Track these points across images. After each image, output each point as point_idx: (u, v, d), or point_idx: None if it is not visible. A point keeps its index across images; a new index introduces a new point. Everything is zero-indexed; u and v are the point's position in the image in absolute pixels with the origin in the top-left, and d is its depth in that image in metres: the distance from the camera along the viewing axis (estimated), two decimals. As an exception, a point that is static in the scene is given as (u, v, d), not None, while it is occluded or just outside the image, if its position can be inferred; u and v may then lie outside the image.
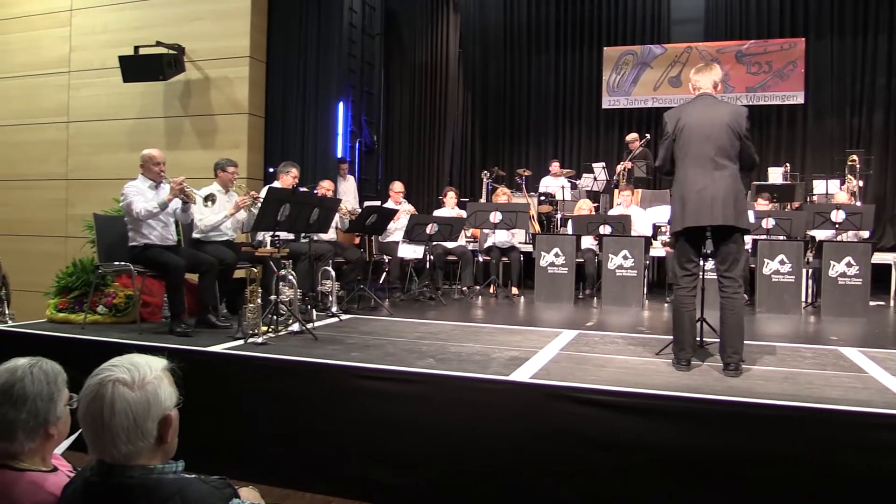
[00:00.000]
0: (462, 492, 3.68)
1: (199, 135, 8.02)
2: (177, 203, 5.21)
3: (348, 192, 8.65)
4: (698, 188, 4.06)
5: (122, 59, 7.81)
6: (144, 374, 1.60)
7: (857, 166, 9.28)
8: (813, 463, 3.21)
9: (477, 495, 3.65)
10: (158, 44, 7.81)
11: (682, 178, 4.16)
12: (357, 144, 10.10)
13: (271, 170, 7.52)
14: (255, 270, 5.12)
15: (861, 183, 9.38)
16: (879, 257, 8.36)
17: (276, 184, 6.43)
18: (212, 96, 7.99)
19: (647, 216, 8.65)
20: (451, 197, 8.43)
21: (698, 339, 4.55)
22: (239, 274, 5.85)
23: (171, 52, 7.85)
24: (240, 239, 6.29)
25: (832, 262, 6.87)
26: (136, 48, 7.86)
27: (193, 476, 1.60)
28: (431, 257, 7.54)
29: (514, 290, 8.02)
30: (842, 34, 11.69)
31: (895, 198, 11.31)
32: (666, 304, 7.48)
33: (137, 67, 7.81)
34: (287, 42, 8.16)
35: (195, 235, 5.76)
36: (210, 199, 5.32)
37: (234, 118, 7.89)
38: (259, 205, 5.33)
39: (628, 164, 10.25)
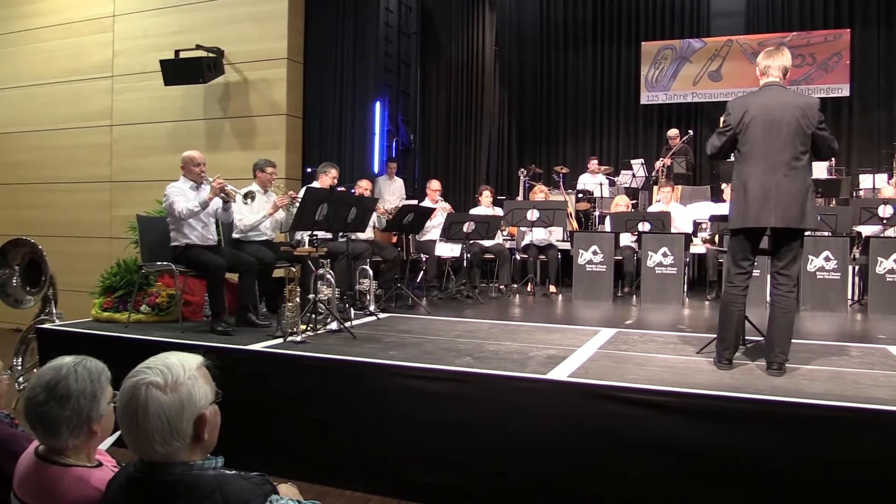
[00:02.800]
0: (499, 491, 3.67)
1: (238, 136, 8.13)
2: (217, 203, 5.29)
3: (396, 192, 8.69)
4: (764, 187, 3.89)
5: (163, 62, 7.95)
6: (178, 376, 1.62)
7: (906, 160, 9.03)
8: (860, 464, 3.13)
9: (513, 495, 3.64)
10: (198, 47, 7.93)
11: (746, 173, 3.98)
12: (394, 144, 10.14)
13: (309, 170, 7.60)
14: (294, 269, 5.16)
15: (910, 177, 9.12)
16: (929, 253, 8.11)
17: (315, 184, 6.48)
18: (250, 98, 8.09)
19: (688, 213, 8.52)
20: (486, 196, 8.41)
21: (742, 337, 4.46)
22: (278, 273, 5.91)
23: (210, 55, 7.97)
24: (279, 238, 6.36)
25: (880, 259, 6.69)
26: (177, 52, 8.00)
27: (233, 472, 1.62)
28: (469, 256, 7.53)
29: (552, 289, 7.97)
30: (889, 24, 11.37)
31: (946, 192, 10.96)
32: (707, 302, 7.37)
33: (178, 71, 7.95)
34: (324, 43, 8.22)
35: (235, 235, 5.84)
36: (249, 196, 5.39)
37: (273, 119, 7.98)
38: (297, 204, 5.38)
39: (668, 161, 10.12)
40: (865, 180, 9.23)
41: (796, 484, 3.19)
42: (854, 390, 3.60)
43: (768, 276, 4.24)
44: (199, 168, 5.34)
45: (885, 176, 9.07)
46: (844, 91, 11.55)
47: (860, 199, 8.36)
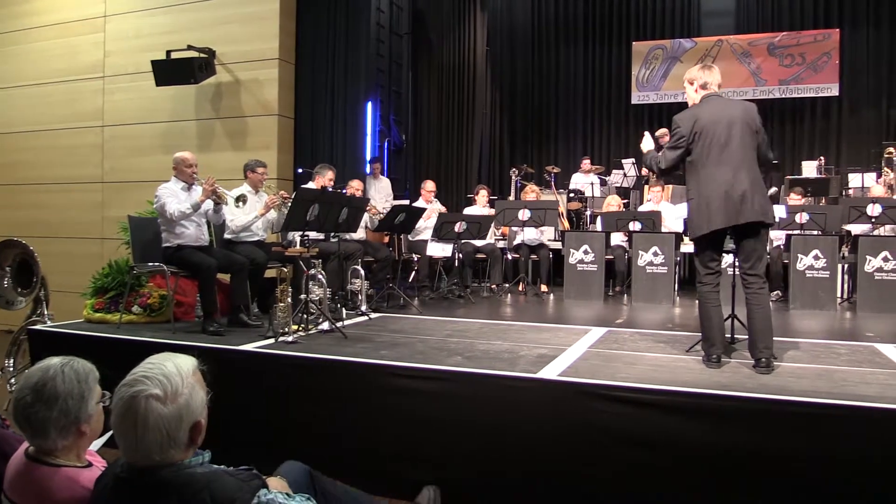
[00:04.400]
0: (490, 489, 3.69)
1: (230, 136, 8.14)
2: (209, 204, 5.30)
3: (382, 192, 8.70)
4: (725, 188, 4.00)
5: (154, 63, 7.94)
6: (177, 386, 1.62)
7: (894, 159, 9.08)
8: (847, 462, 3.15)
9: (505, 493, 3.66)
10: (190, 48, 7.93)
11: (704, 179, 4.08)
12: (386, 144, 10.15)
13: (300, 170, 7.60)
14: (286, 270, 5.17)
15: (898, 176, 9.18)
16: (918, 252, 8.18)
17: (310, 185, 6.49)
18: (242, 98, 8.10)
19: (678, 212, 8.54)
20: (482, 195, 8.44)
21: (728, 336, 4.50)
22: (270, 273, 5.92)
23: (202, 55, 7.96)
24: (270, 239, 6.37)
25: (868, 257, 6.75)
26: (168, 52, 8.00)
27: (222, 468, 1.63)
28: (460, 255, 7.55)
29: (544, 288, 7.99)
30: (878, 24, 11.46)
31: (934, 191, 11.05)
32: (697, 301, 7.39)
33: (169, 71, 7.94)
34: (315, 43, 8.23)
35: (227, 236, 5.85)
36: (241, 199, 5.40)
37: (264, 120, 7.99)
38: (288, 205, 5.39)
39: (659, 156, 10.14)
40: (854, 179, 9.29)
41: (786, 481, 3.21)
42: (842, 388, 3.63)
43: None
44: (191, 169, 5.35)
45: (873, 175, 9.13)
46: (834, 91, 11.64)
47: (849, 198, 8.42)
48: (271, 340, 4.70)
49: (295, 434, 4.10)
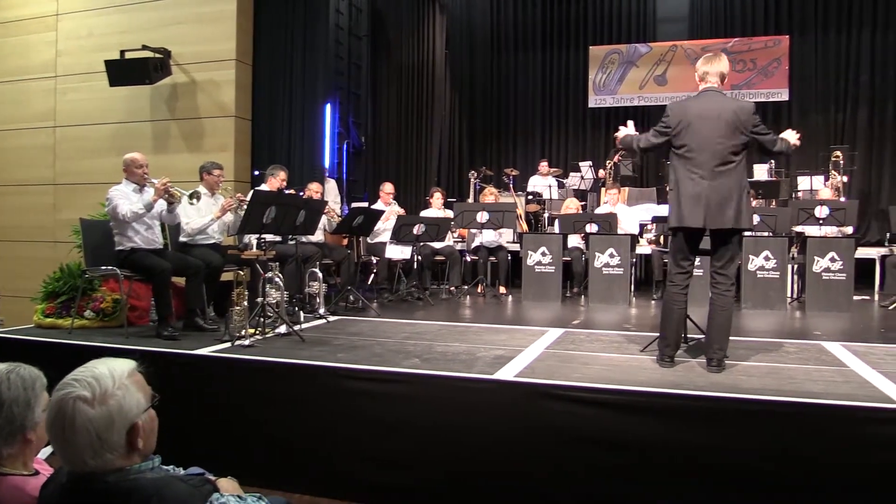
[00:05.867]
0: (449, 490, 3.70)
1: (185, 138, 8.03)
2: (162, 204, 5.23)
3: (330, 194, 8.66)
4: (700, 188, 4.03)
5: (108, 63, 7.80)
6: (106, 388, 1.58)
7: (841, 162, 9.36)
8: (795, 456, 3.25)
9: (464, 494, 3.68)
10: (144, 48, 7.81)
11: (683, 175, 4.11)
12: (345, 146, 10.11)
13: (257, 172, 7.54)
14: (242, 273, 5.14)
15: (845, 179, 9.46)
16: (863, 252, 8.46)
17: (263, 186, 6.44)
18: (198, 99, 8.00)
19: (634, 214, 8.71)
20: (437, 197, 8.47)
21: (683, 335, 4.59)
22: (226, 277, 5.86)
23: (157, 55, 7.85)
24: (227, 242, 6.30)
25: (816, 258, 6.94)
26: (122, 52, 7.87)
27: (172, 474, 1.62)
28: (419, 258, 7.57)
29: (502, 290, 8.05)
30: (825, 31, 11.79)
31: (879, 193, 11.41)
32: (652, 302, 7.53)
33: (123, 71, 7.81)
34: (273, 44, 8.17)
35: (182, 239, 5.77)
36: (195, 196, 5.31)
37: (221, 121, 7.90)
38: (245, 207, 5.34)
39: (616, 159, 10.31)
40: (803, 182, 9.53)
41: (738, 477, 3.29)
42: (790, 385, 3.74)
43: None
44: (142, 170, 5.26)
45: (821, 178, 9.38)
46: (784, 95, 11.93)
47: (798, 201, 8.64)
48: (227, 344, 4.66)
49: (251, 438, 4.07)
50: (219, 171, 5.98)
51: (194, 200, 5.33)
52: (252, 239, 5.94)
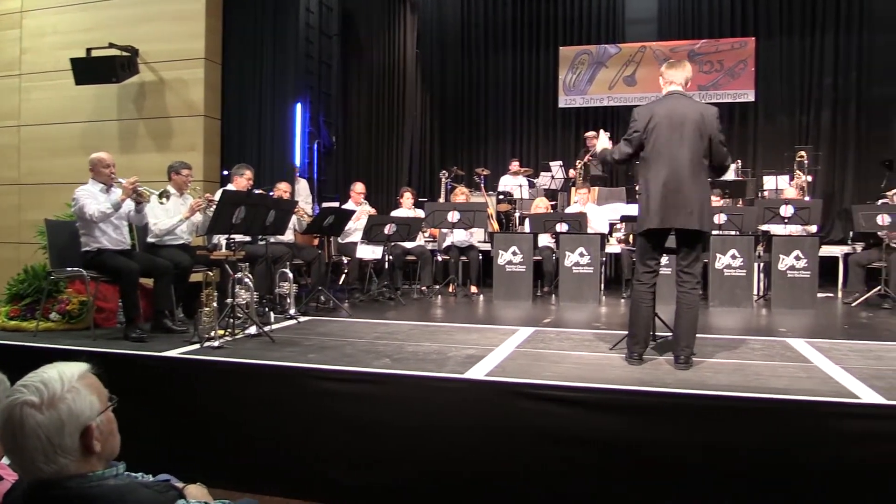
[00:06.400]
0: (421, 490, 3.71)
1: (153, 137, 7.95)
2: (130, 205, 5.17)
3: (300, 194, 8.62)
4: (667, 189, 4.09)
5: (73, 61, 7.69)
6: (55, 391, 1.55)
7: (806, 162, 9.52)
8: (761, 452, 3.30)
9: (436, 493, 3.69)
10: (111, 46, 7.71)
11: (651, 177, 4.16)
12: (316, 145, 10.06)
13: (226, 172, 7.48)
14: (212, 274, 5.10)
15: (810, 178, 9.63)
16: (827, 250, 8.63)
17: (230, 186, 6.40)
18: (166, 99, 7.93)
19: (603, 213, 8.79)
20: (407, 197, 8.48)
21: (651, 333, 4.64)
22: (196, 278, 5.81)
23: (124, 54, 7.76)
24: (196, 242, 6.25)
25: (781, 256, 7.06)
26: (88, 50, 7.76)
27: (137, 480, 1.60)
28: (390, 257, 7.56)
29: (473, 289, 8.07)
30: (790, 34, 11.98)
31: (842, 193, 11.64)
32: (622, 300, 7.60)
33: (90, 70, 7.71)
34: (243, 43, 8.12)
35: (150, 240, 5.71)
36: (165, 195, 5.26)
37: (190, 120, 7.83)
38: (214, 207, 5.30)
39: (586, 159, 10.39)
40: (769, 182, 9.68)
41: (707, 472, 3.34)
42: (755, 381, 3.81)
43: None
44: (109, 170, 5.19)
45: (787, 178, 9.54)
46: (750, 97, 12.11)
47: (764, 200, 8.77)
48: (196, 346, 4.63)
49: (221, 441, 4.04)
50: (187, 170, 5.93)
51: (164, 199, 5.27)
52: (221, 239, 5.89)
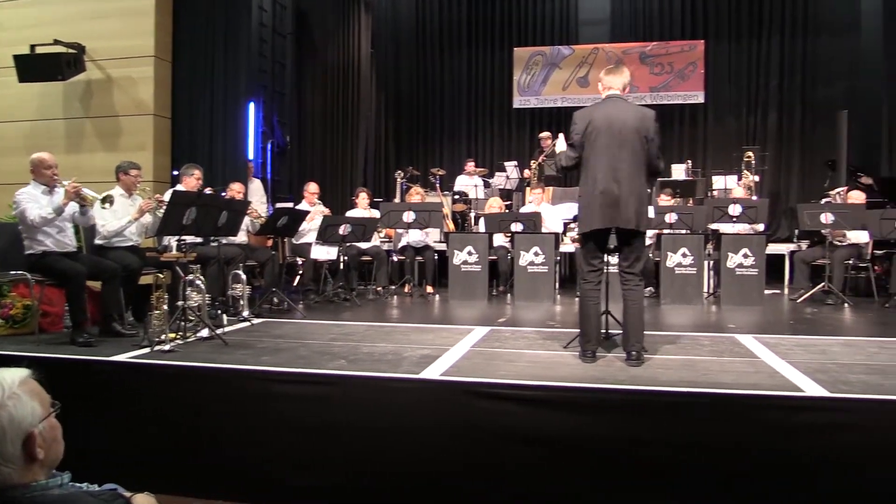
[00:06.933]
0: (375, 492, 3.69)
1: (101, 137, 7.76)
2: (74, 207, 5.04)
3: (255, 193, 8.52)
4: (606, 190, 4.17)
5: (17, 58, 7.46)
6: None
7: (753, 162, 9.75)
8: (711, 445, 3.37)
9: (393, 493, 3.68)
10: (56, 42, 7.51)
11: (590, 179, 4.25)
12: (269, 145, 9.96)
13: (176, 172, 7.36)
14: (162, 276, 5.01)
15: (757, 178, 9.86)
16: (774, 248, 8.87)
17: (179, 187, 6.29)
18: (115, 97, 7.75)
19: (558, 213, 8.88)
20: (363, 198, 8.45)
21: (603, 331, 4.71)
22: (146, 280, 5.69)
23: (70, 51, 7.56)
24: (146, 244, 6.13)
25: (730, 254, 7.23)
26: (33, 47, 7.53)
27: (82, 490, 1.56)
28: (345, 258, 7.52)
29: (429, 289, 8.08)
30: (738, 38, 12.29)
31: (788, 192, 11.98)
32: (576, 299, 7.65)
33: (34, 67, 7.49)
34: (193, 41, 7.99)
35: (98, 242, 5.58)
36: (108, 200, 5.12)
37: (139, 119, 7.67)
38: (164, 208, 5.20)
39: (540, 159, 10.48)
40: (718, 181, 9.90)
41: (660, 467, 3.38)
42: (704, 377, 3.90)
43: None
44: (51, 171, 5.04)
45: (735, 177, 9.76)
46: (699, 98, 12.36)
47: (713, 199, 8.96)
48: (146, 350, 4.54)
49: (171, 448, 3.96)
50: (136, 171, 5.80)
51: (107, 205, 5.13)
52: (172, 241, 5.79)
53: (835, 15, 11.77)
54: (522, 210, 8.87)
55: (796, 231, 9.15)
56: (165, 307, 4.71)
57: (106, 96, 7.77)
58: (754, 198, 8.97)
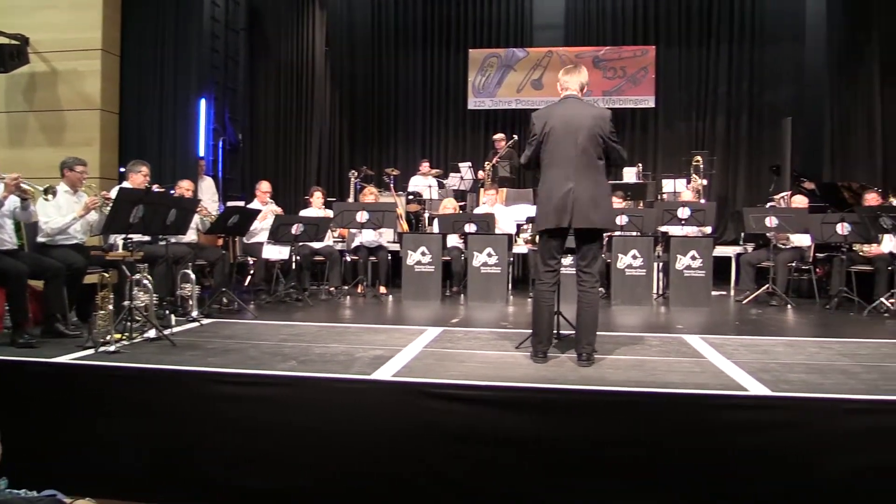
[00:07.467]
0: (330, 493, 3.67)
1: (45, 131, 7.56)
2: (14, 202, 4.90)
3: (206, 192, 8.39)
4: (563, 190, 4.22)
5: (-45, 49, 7.23)
6: None
7: (702, 166, 9.94)
8: (657, 444, 3.43)
9: (345, 495, 3.66)
10: (-2, 33, 7.29)
11: (548, 178, 4.31)
12: (221, 143, 9.81)
13: (122, 169, 7.20)
14: (108, 275, 4.89)
15: (705, 182, 10.04)
16: (721, 251, 9.05)
17: (125, 184, 6.15)
18: (60, 91, 7.56)
19: (511, 214, 8.94)
20: (317, 197, 8.39)
21: (555, 332, 4.75)
22: (91, 279, 5.54)
23: (13, 42, 7.35)
24: (91, 242, 5.98)
25: (679, 256, 7.37)
26: (-28, 38, 7.31)
27: (20, 496, 1.52)
28: (298, 258, 7.45)
29: (383, 290, 8.05)
30: (688, 44, 12.54)
31: (735, 196, 12.27)
32: (529, 300, 7.72)
33: (-26, 58, 7.26)
34: (143, 35, 7.85)
35: (40, 239, 5.43)
36: (50, 191, 4.98)
37: (86, 114, 7.50)
38: (110, 205, 5.08)
39: (494, 161, 10.53)
40: (668, 185, 10.06)
41: (608, 465, 3.44)
42: (652, 377, 3.97)
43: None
44: (-10, 166, 4.90)
45: (684, 181, 9.93)
46: (650, 103, 12.58)
47: (663, 202, 9.12)
48: (91, 351, 4.42)
49: (116, 451, 3.87)
50: (82, 167, 5.66)
51: (49, 196, 4.98)
52: (118, 239, 5.66)
53: (781, 24, 12.11)
54: (476, 211, 8.92)
55: (742, 234, 9.37)
56: (111, 307, 4.61)
57: (51, 90, 7.58)
58: (702, 201, 9.15)
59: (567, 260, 4.61)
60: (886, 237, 7.10)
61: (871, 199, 7.64)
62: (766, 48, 12.22)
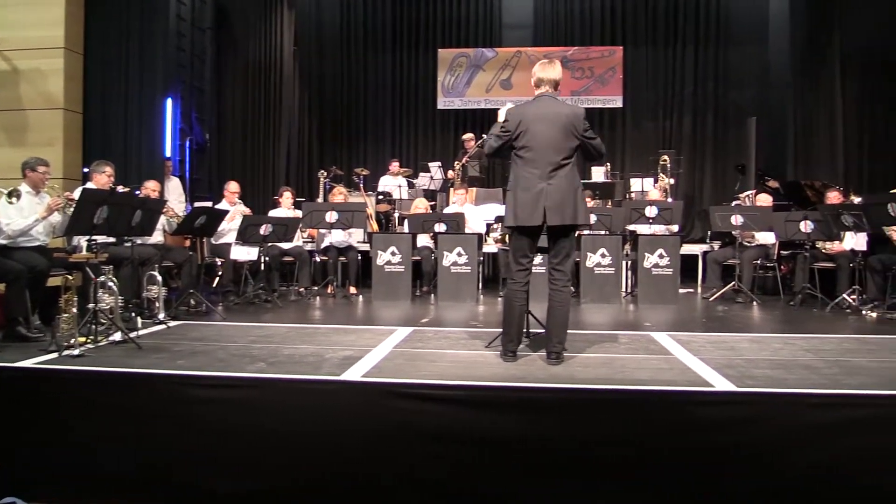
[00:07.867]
0: (299, 496, 3.65)
1: (6, 131, 7.41)
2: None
3: (172, 192, 8.29)
4: (536, 188, 4.25)
5: (-89, 46, 7.06)
6: None
7: (669, 166, 10.07)
8: (625, 441, 3.46)
9: (315, 497, 3.64)
10: (-44, 31, 7.14)
11: (521, 176, 4.33)
12: (188, 143, 9.70)
13: (86, 169, 7.09)
14: (72, 278, 4.81)
15: (672, 181, 10.18)
16: (687, 249, 9.18)
17: (89, 184, 6.05)
18: (21, 89, 7.42)
19: (481, 214, 8.97)
20: (287, 197, 8.33)
21: (524, 330, 4.77)
22: (54, 282, 5.45)
23: (-29, 40, 7.20)
24: (54, 244, 5.87)
25: (647, 254, 7.45)
26: (-71, 35, 7.15)
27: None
28: (266, 258, 7.39)
29: (352, 290, 8.02)
30: (655, 45, 12.71)
31: (701, 194, 12.45)
32: (499, 299, 7.77)
33: (-70, 56, 7.10)
34: (107, 33, 7.75)
35: (2, 241, 5.31)
36: (14, 195, 4.89)
37: (48, 114, 7.38)
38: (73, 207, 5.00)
39: (464, 160, 10.55)
40: (636, 184, 10.18)
41: (578, 463, 3.46)
42: (621, 374, 4.01)
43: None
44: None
45: (651, 180, 10.05)
46: (618, 103, 12.71)
47: (631, 201, 9.21)
48: (54, 355, 4.34)
49: (81, 457, 3.80)
50: (44, 167, 5.56)
51: (14, 199, 4.91)
52: (82, 241, 5.57)
53: (745, 26, 12.32)
54: (446, 211, 8.92)
55: (709, 232, 9.50)
56: (75, 310, 4.53)
57: (12, 89, 7.44)
58: (670, 200, 9.27)
59: (538, 259, 4.62)
60: (848, 234, 7.26)
61: (833, 197, 7.79)
62: (731, 49, 12.43)
